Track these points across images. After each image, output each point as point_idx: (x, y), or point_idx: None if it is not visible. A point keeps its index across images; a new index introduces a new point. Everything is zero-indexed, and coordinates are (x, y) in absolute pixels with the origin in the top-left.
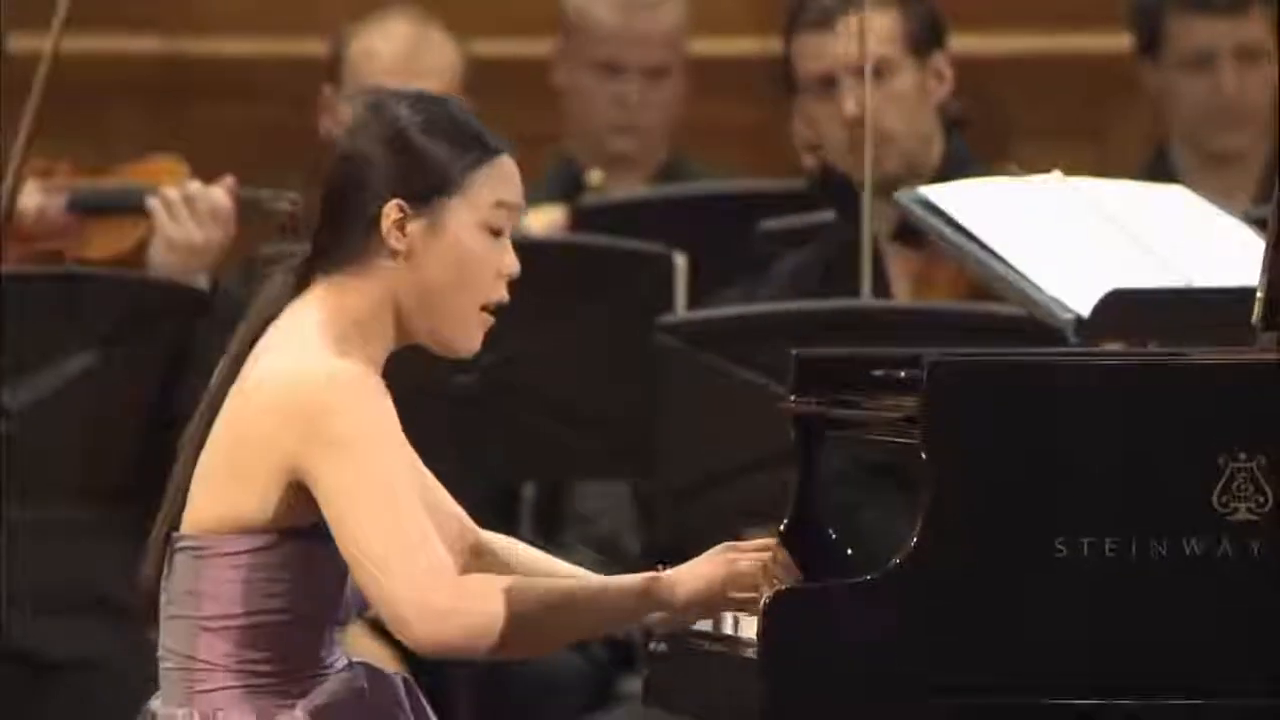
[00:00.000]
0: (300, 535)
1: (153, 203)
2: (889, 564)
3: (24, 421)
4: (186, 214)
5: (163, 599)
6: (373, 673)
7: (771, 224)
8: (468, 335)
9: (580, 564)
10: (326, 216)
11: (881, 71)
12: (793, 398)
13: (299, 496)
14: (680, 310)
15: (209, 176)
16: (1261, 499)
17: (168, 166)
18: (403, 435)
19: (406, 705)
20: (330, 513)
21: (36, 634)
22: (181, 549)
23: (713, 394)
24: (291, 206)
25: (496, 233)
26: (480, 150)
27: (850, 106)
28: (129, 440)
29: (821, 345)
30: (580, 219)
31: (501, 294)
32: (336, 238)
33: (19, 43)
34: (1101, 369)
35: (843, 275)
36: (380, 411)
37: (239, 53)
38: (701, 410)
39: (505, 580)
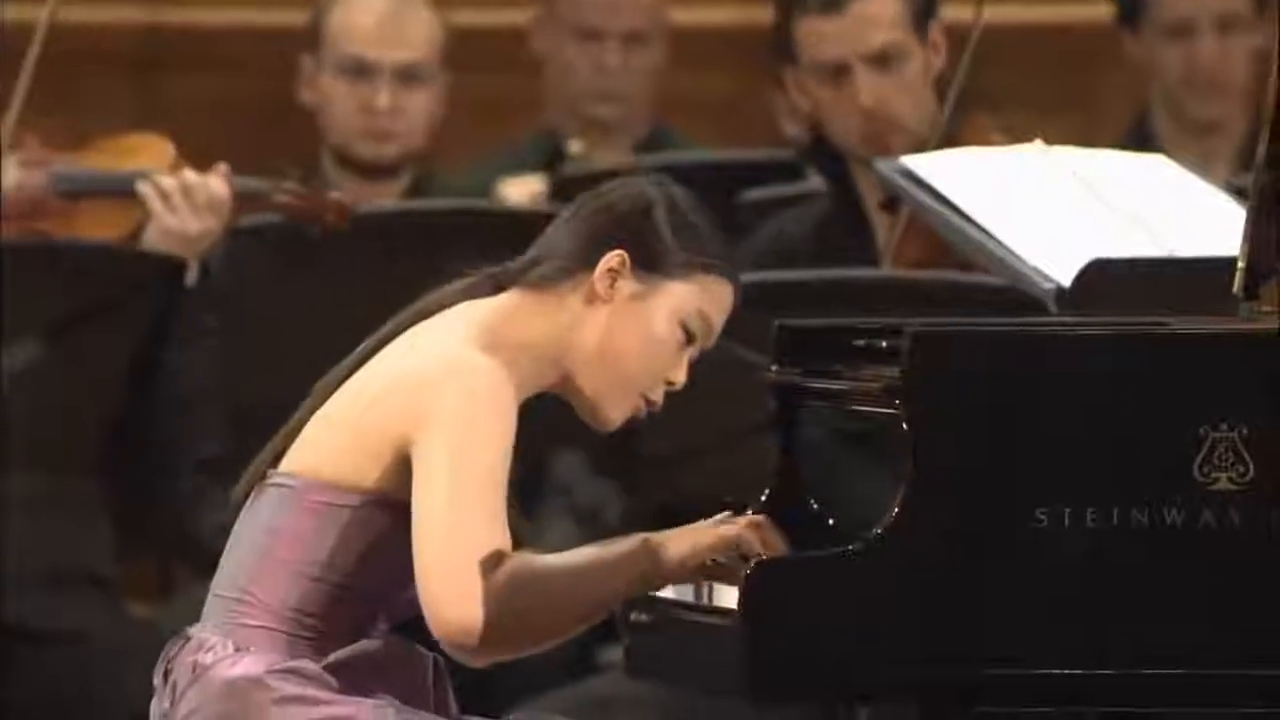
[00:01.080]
0: (390, 507)
1: (146, 190)
2: (870, 535)
3: (12, 390)
4: (184, 204)
5: (236, 528)
6: (405, 645)
7: (754, 194)
8: (618, 409)
9: (560, 537)
10: (552, 237)
11: (891, 58)
12: (774, 367)
13: (400, 469)
14: None
15: (190, 148)
16: (1243, 469)
17: (150, 143)
18: (510, 435)
19: (431, 684)
20: (415, 481)
21: (23, 606)
22: (273, 484)
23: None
24: (287, 197)
25: (687, 338)
26: (713, 261)
27: (866, 99)
28: (109, 411)
29: (804, 315)
30: (561, 189)
31: (659, 396)
32: (549, 258)
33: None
34: (1083, 339)
35: (833, 244)
36: (497, 407)
37: (220, 23)
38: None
39: (532, 560)
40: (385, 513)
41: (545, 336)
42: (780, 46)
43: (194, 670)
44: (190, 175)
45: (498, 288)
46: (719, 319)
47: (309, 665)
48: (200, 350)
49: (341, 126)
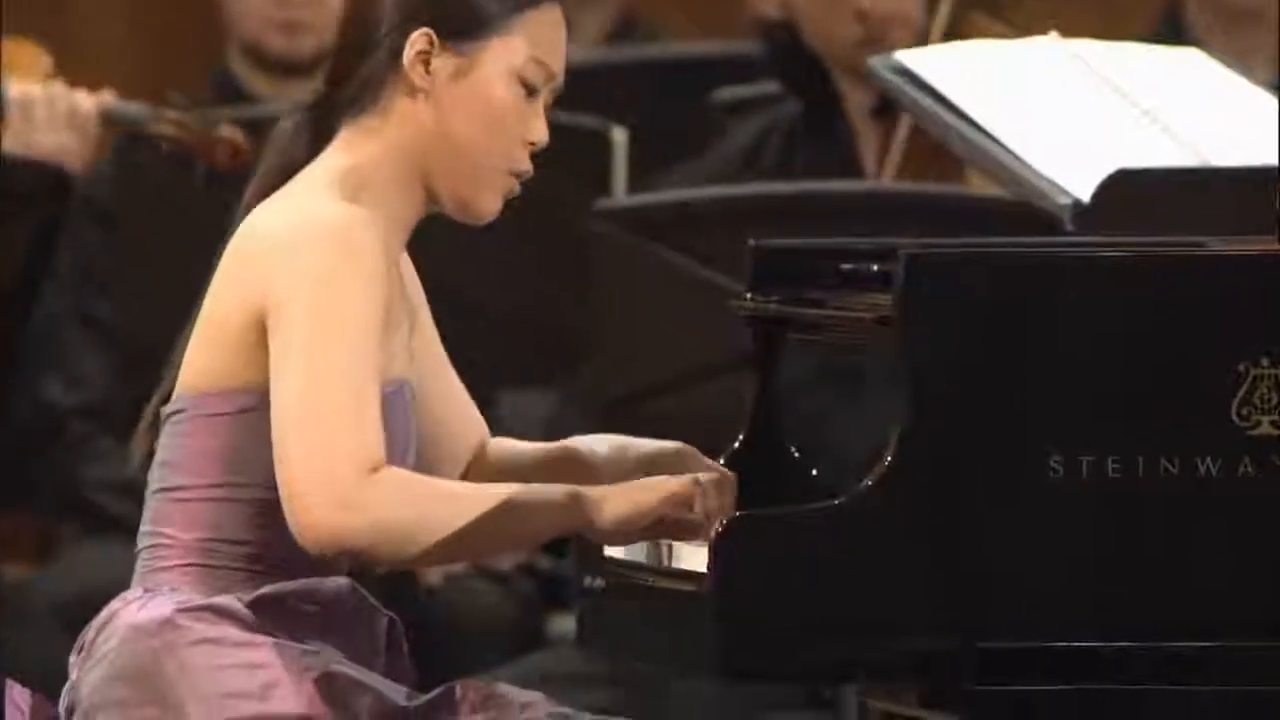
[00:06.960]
0: None
1: (12, 94)
2: (859, 486)
3: None
4: (44, 115)
5: (150, 478)
6: (358, 597)
7: (725, 93)
8: (488, 196)
9: None
10: (344, 52)
11: None
12: (749, 295)
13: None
14: (620, 194)
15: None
16: None
17: (24, 52)
18: (380, 296)
19: (383, 643)
20: (271, 358)
21: None
22: (167, 419)
23: (657, 290)
24: (169, 128)
25: (529, 90)
26: None
27: (868, 1)
28: None
29: (783, 234)
30: None
31: (526, 164)
32: (355, 74)
33: None
34: (1104, 262)
35: (807, 155)
36: (361, 260)
37: None
38: (644, 309)
39: (419, 479)
40: None
41: (395, 157)
42: None
43: (103, 623)
44: (58, 87)
45: (321, 131)
46: (557, 54)
47: (226, 601)
48: (83, 279)
49: (249, 17)
